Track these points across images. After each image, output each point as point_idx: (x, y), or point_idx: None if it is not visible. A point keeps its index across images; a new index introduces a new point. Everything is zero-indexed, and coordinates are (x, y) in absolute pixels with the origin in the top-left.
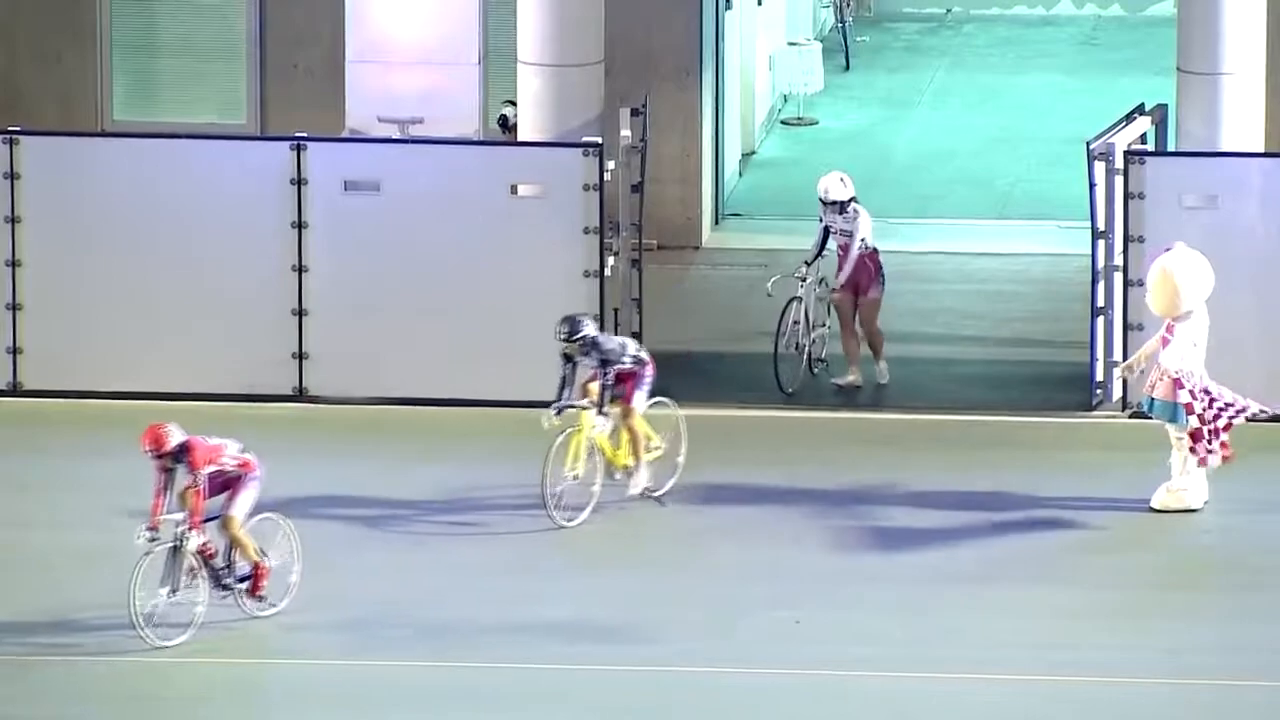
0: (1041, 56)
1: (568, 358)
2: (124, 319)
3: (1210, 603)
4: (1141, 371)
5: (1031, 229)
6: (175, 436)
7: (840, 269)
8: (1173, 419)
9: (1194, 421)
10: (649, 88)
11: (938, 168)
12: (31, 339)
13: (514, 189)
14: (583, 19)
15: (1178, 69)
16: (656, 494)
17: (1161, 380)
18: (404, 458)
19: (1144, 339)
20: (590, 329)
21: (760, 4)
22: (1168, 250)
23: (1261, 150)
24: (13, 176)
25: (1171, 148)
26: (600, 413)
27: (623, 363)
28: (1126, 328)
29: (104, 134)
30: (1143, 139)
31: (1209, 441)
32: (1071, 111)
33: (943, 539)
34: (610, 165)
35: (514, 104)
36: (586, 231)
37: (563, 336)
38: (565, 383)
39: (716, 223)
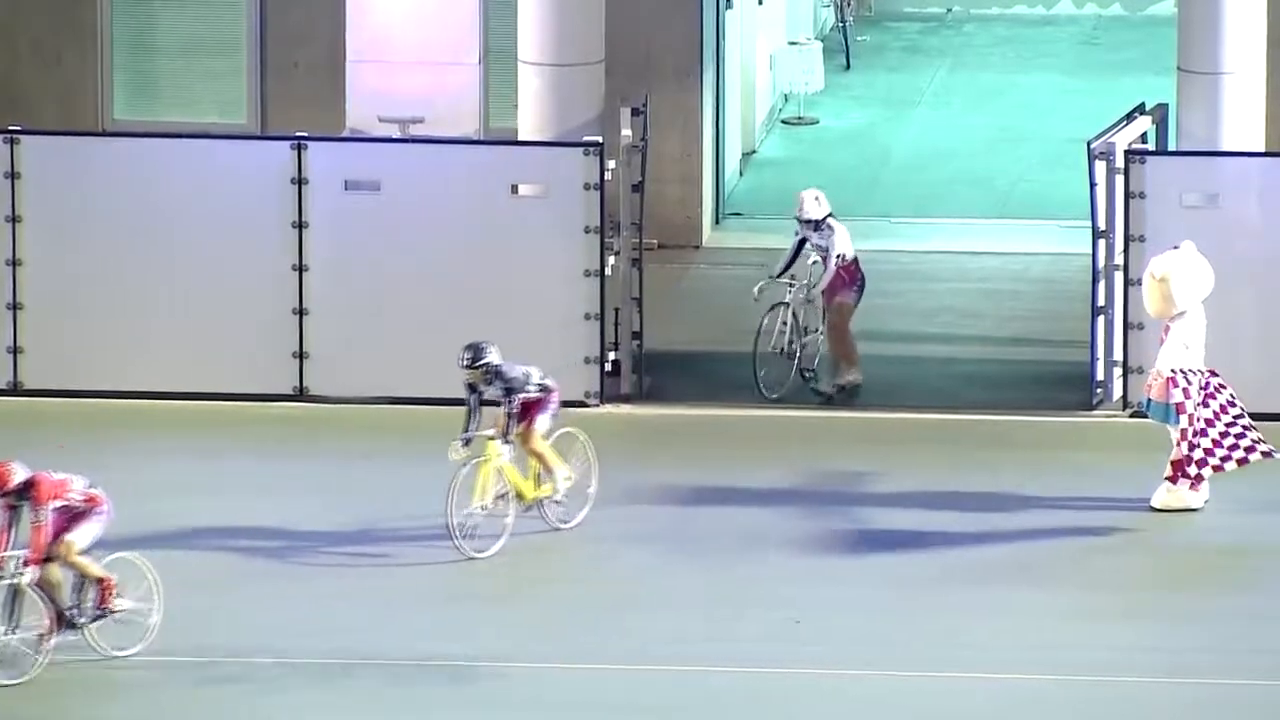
0: (1042, 56)
1: (472, 387)
2: (124, 319)
3: (1210, 603)
4: (1139, 370)
5: (1032, 228)
6: (19, 474)
7: (821, 280)
8: (1166, 419)
9: (1184, 420)
10: (649, 87)
11: (938, 167)
12: (31, 339)
13: (515, 188)
14: (583, 19)
15: (1178, 68)
16: (568, 525)
17: (1156, 380)
18: (404, 458)
19: (1144, 338)
20: (493, 357)
21: (761, 3)
22: (1175, 249)
23: (1262, 150)
24: (13, 176)
25: (1172, 147)
26: (505, 441)
27: (527, 391)
28: (1127, 327)
29: (104, 134)
30: (1143, 138)
31: (1205, 461)
32: (1072, 111)
33: (942, 539)
34: (611, 165)
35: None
36: (587, 231)
37: (465, 364)
38: (471, 412)
39: (717, 222)
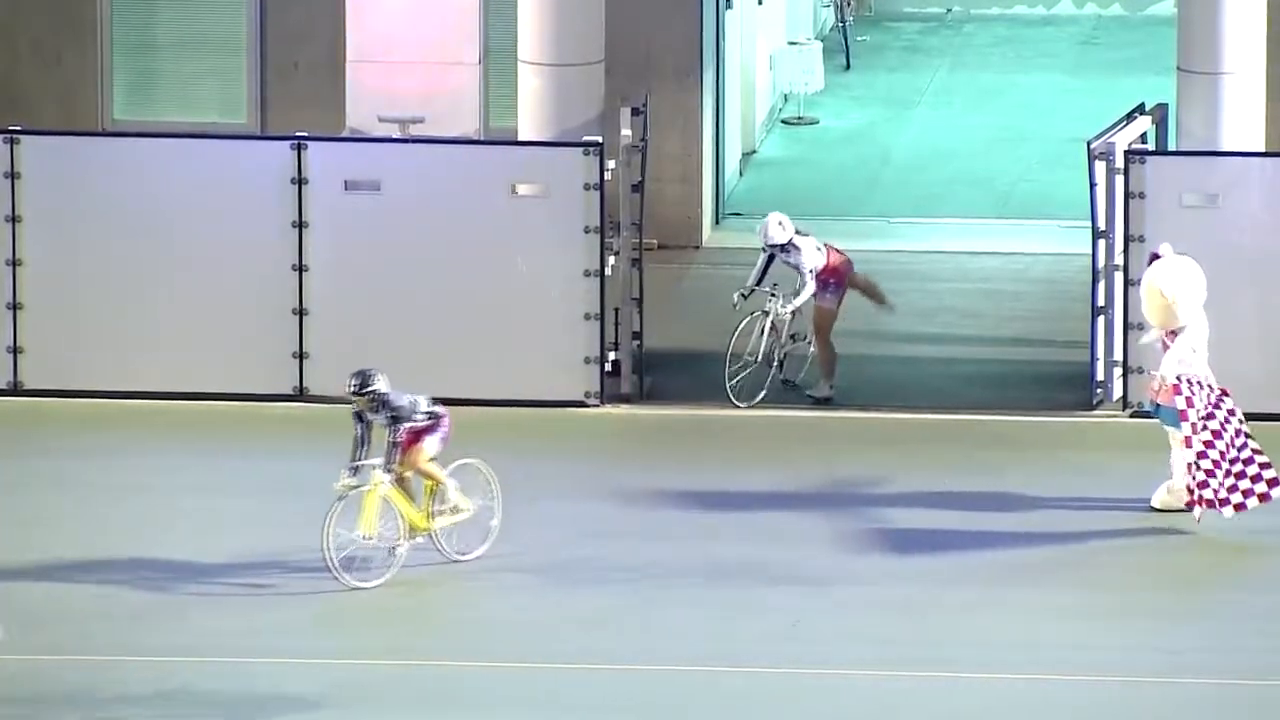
0: (1042, 56)
1: (360, 415)
2: (124, 319)
3: (1210, 603)
4: (1139, 370)
5: (1032, 228)
6: (379, 383)
7: (797, 296)
8: (1177, 424)
9: (1186, 428)
10: (649, 87)
11: (938, 167)
12: (31, 339)
13: (514, 188)
14: (583, 19)
15: (1178, 68)
16: (465, 556)
17: (1163, 386)
18: None
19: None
20: (380, 384)
21: (761, 3)
22: (1157, 258)
23: (1262, 150)
24: (13, 176)
25: (1172, 147)
26: (387, 469)
27: (414, 420)
28: (1127, 327)
29: (104, 133)
30: (1143, 138)
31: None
32: (1072, 111)
33: (942, 539)
34: (611, 165)
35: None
36: (587, 231)
37: (351, 391)
38: (359, 441)
39: (717, 222)
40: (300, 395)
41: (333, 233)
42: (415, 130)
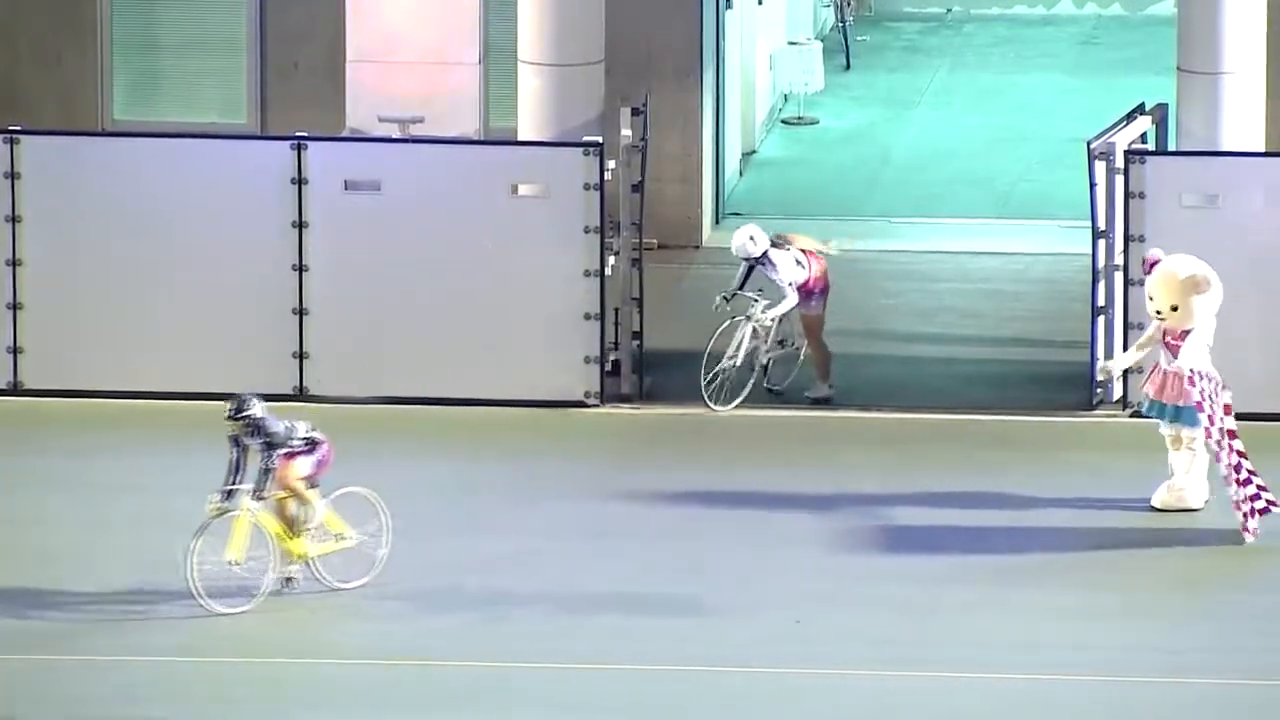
0: (1042, 56)
1: (236, 439)
2: (124, 319)
3: (1210, 603)
4: (1139, 371)
5: (1032, 228)
6: (254, 408)
7: (775, 306)
8: (1189, 422)
9: (1204, 419)
10: (649, 87)
11: (938, 167)
12: (31, 339)
13: (514, 188)
14: (583, 19)
15: (1178, 68)
16: (346, 585)
17: (1166, 381)
18: (404, 457)
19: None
20: (256, 409)
21: (761, 3)
22: (1156, 262)
23: (1262, 150)
24: (13, 176)
25: (1172, 147)
26: (259, 497)
27: (290, 445)
28: (1127, 327)
29: (104, 134)
30: (1143, 138)
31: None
32: (1072, 111)
33: (942, 539)
34: (611, 165)
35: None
36: (587, 231)
37: (227, 415)
38: (234, 466)
39: (717, 222)
40: (300, 395)
41: (333, 233)
42: (415, 130)
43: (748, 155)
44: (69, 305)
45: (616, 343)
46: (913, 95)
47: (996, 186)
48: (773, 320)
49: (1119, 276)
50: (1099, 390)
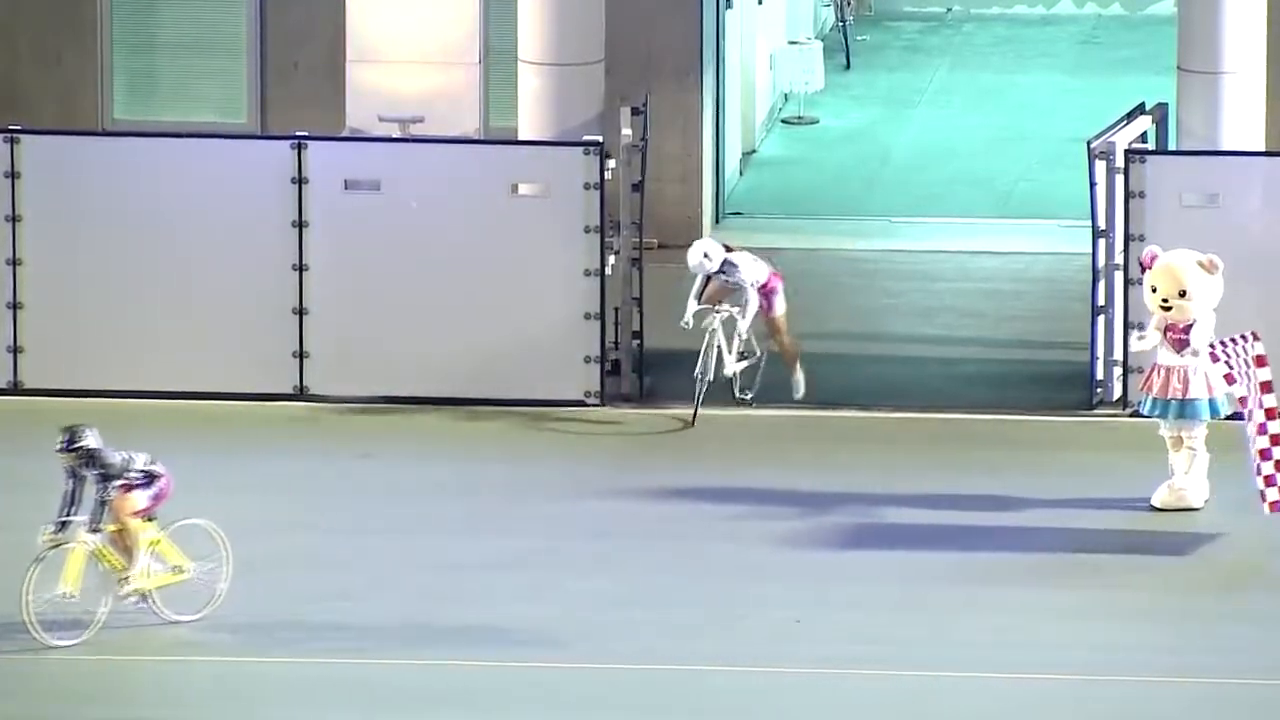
0: (1042, 55)
1: (72, 471)
2: (124, 318)
3: (1210, 603)
4: (1139, 371)
5: (1032, 228)
6: (89, 440)
7: (744, 315)
8: (1193, 416)
9: (1239, 390)
10: (649, 87)
11: (938, 167)
12: (32, 338)
13: (515, 188)
14: (583, 18)
15: (1178, 68)
16: (183, 618)
17: (1174, 379)
18: (404, 457)
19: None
20: (89, 441)
21: (761, 3)
22: (1154, 258)
23: (1262, 149)
24: (13, 176)
25: (1172, 146)
26: (93, 530)
27: (126, 477)
28: (1127, 327)
29: (104, 133)
30: (1143, 138)
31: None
32: (1072, 110)
33: (942, 539)
34: (611, 164)
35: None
36: (587, 230)
37: (59, 447)
38: (68, 498)
39: (717, 222)
40: (300, 395)
41: (333, 233)
42: (415, 130)
43: (748, 155)
44: (69, 305)
45: (617, 343)
46: (913, 95)
47: (996, 186)
48: (749, 328)
49: (1119, 276)
50: (1099, 390)
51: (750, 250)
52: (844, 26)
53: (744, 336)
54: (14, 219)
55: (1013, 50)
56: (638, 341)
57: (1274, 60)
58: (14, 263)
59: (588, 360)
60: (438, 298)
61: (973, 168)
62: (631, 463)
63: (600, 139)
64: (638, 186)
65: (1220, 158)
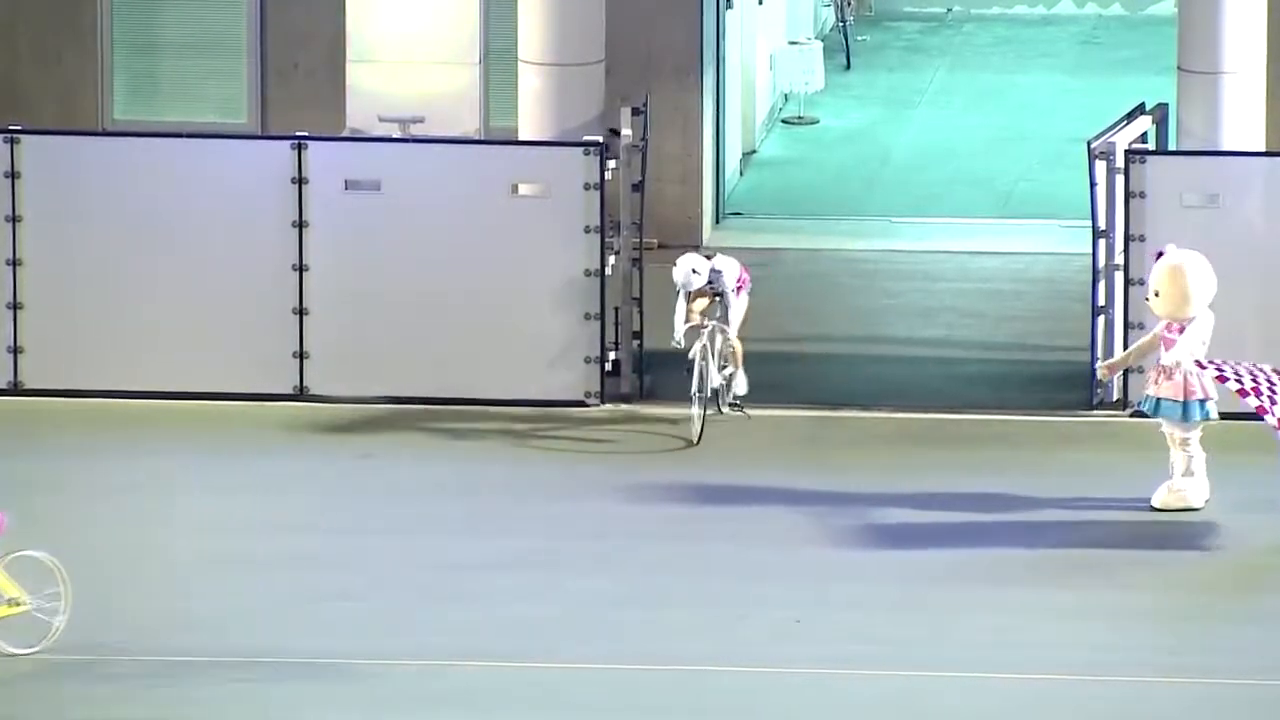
0: (1042, 56)
1: None
2: (124, 318)
3: (1210, 603)
4: (1140, 371)
5: (1032, 228)
6: None
7: (729, 321)
8: (1189, 417)
9: (1252, 401)
10: (649, 87)
11: (938, 167)
12: (32, 338)
13: (515, 188)
14: (583, 19)
15: (1178, 68)
16: (18, 652)
17: (1169, 379)
18: (404, 457)
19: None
20: None
21: (761, 3)
22: (1161, 254)
23: (1262, 149)
24: (13, 176)
25: (1172, 147)
26: None
27: None
28: (1127, 327)
29: (104, 133)
30: (1143, 138)
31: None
32: (1072, 110)
33: (942, 539)
34: (611, 164)
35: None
36: (587, 230)
37: None
38: None
39: (717, 222)
40: (300, 395)
41: (333, 233)
42: (415, 130)
43: (748, 155)
44: (69, 305)
45: (617, 343)
46: (913, 95)
47: (996, 186)
48: (736, 335)
49: (1119, 276)
50: (1099, 390)
51: (746, 250)
52: (844, 27)
53: (731, 343)
54: (14, 219)
55: (1013, 50)
56: (638, 342)
57: (1274, 60)
58: (14, 263)
59: (588, 360)
60: (438, 298)
61: (973, 168)
62: (631, 463)
63: (600, 139)
64: (638, 187)
65: (1220, 158)
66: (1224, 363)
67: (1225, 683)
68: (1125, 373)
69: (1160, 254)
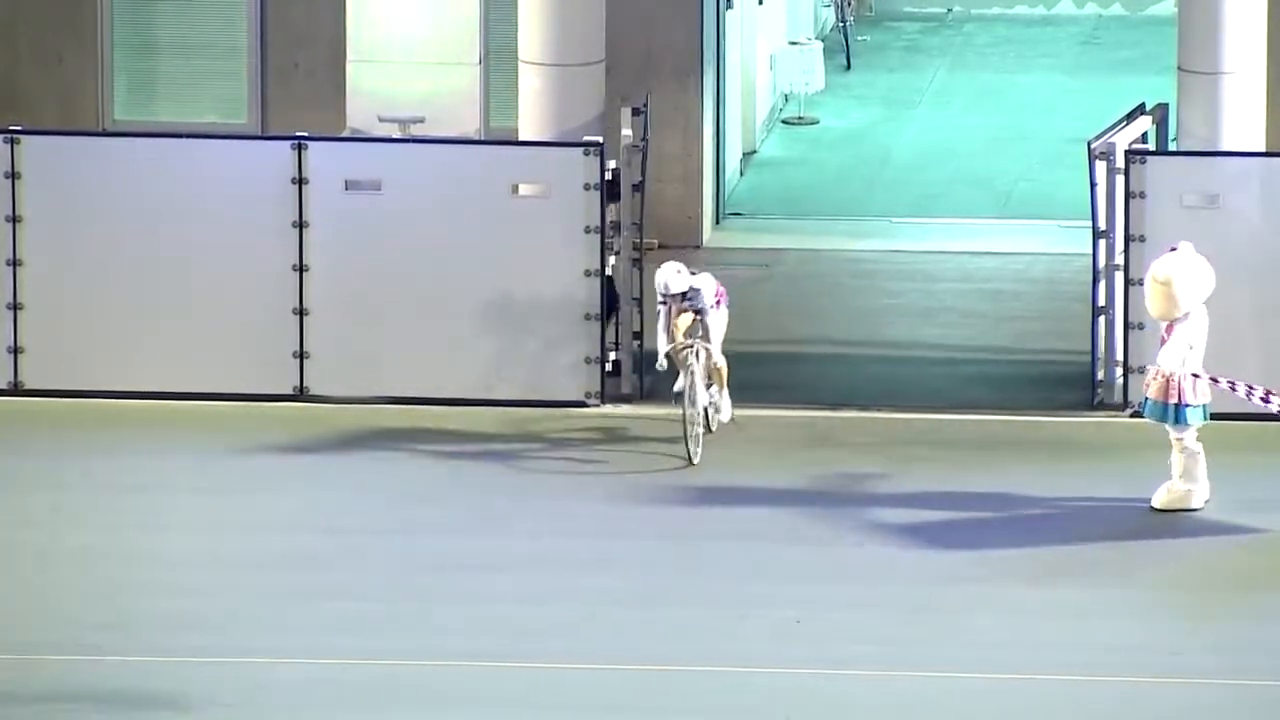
0: (1042, 56)
1: None
2: (124, 319)
3: (1210, 603)
4: (1140, 371)
5: (1032, 228)
6: None
7: (707, 335)
8: (1165, 419)
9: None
10: (649, 87)
11: (939, 167)
12: (32, 339)
13: (515, 188)
14: (583, 19)
15: (1178, 68)
16: None
17: (1154, 380)
18: (404, 457)
19: (1145, 338)
20: None
21: (761, 3)
22: (1173, 250)
23: (1262, 149)
24: (13, 176)
25: (1172, 147)
26: None
27: None
28: (1128, 327)
29: (104, 134)
30: (1143, 138)
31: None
32: (1072, 111)
33: (943, 539)
34: (612, 164)
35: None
36: (587, 231)
37: None
38: None
39: (718, 222)
40: (300, 395)
41: (333, 233)
42: (415, 130)
43: (748, 155)
44: (69, 305)
45: (617, 343)
46: (913, 95)
47: (996, 186)
48: (719, 352)
49: (1119, 276)
50: (1099, 390)
51: (747, 250)
52: (844, 27)
53: (716, 361)
54: (14, 219)
55: (1013, 50)
56: (638, 342)
57: (1274, 60)
58: (14, 263)
59: (588, 361)
60: (438, 298)
61: (973, 168)
62: (632, 463)
63: (600, 139)
64: (638, 187)
65: (1220, 158)
66: (1223, 379)
67: (1225, 683)
68: (1125, 373)
69: (1174, 249)
